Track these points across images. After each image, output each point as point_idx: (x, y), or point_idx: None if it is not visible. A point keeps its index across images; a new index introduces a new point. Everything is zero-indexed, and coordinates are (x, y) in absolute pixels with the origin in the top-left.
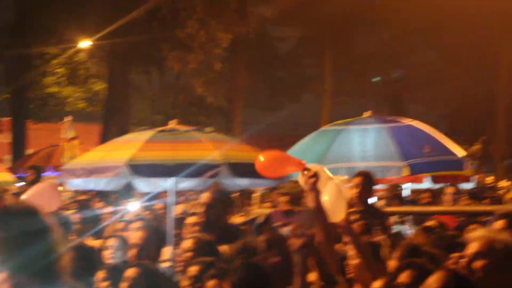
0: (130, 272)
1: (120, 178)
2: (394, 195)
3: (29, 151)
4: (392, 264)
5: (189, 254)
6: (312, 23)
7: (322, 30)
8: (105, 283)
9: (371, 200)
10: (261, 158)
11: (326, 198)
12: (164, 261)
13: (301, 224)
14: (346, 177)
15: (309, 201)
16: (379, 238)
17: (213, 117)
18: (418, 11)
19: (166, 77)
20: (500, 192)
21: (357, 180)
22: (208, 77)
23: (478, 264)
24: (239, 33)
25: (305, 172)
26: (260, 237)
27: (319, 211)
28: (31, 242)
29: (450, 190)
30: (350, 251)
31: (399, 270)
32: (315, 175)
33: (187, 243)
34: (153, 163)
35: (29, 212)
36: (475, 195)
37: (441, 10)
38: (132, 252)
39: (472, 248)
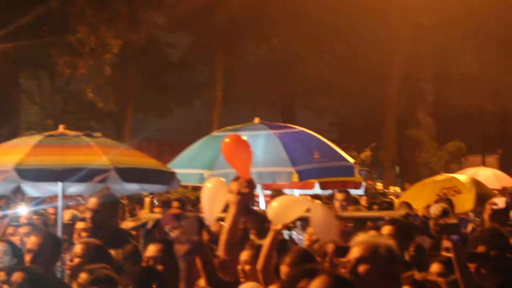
0: (16, 277)
1: (8, 183)
2: None
3: None
4: (283, 269)
5: (78, 259)
6: (203, 29)
7: (213, 37)
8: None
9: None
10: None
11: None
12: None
13: (187, 229)
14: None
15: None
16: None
17: (103, 122)
18: (310, 19)
19: (56, 82)
20: (391, 198)
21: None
22: (98, 82)
23: (361, 268)
24: (130, 39)
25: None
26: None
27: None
28: None
29: (340, 196)
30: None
31: (300, 277)
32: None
33: (77, 248)
34: (41, 167)
35: None
36: (369, 201)
37: (332, 18)
38: (27, 258)
39: (355, 252)
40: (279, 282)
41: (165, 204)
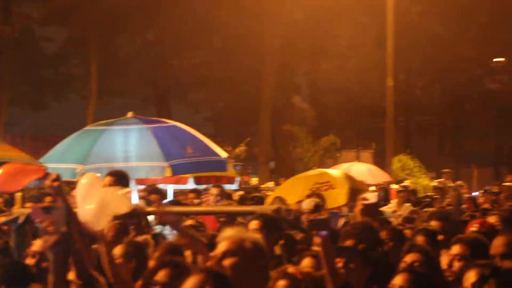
0: None
1: None
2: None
3: None
4: (151, 263)
5: None
6: (78, 23)
7: (88, 31)
8: None
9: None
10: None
11: (90, 206)
12: None
13: (55, 220)
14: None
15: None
16: (142, 238)
17: None
18: (184, 13)
19: None
20: (265, 193)
21: (108, 180)
22: None
23: (227, 262)
24: (3, 31)
25: (49, 176)
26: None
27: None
28: None
29: (214, 191)
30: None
31: (157, 268)
32: (58, 179)
33: None
34: None
35: None
36: (243, 197)
37: (206, 13)
38: None
39: (222, 247)
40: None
41: (37, 199)
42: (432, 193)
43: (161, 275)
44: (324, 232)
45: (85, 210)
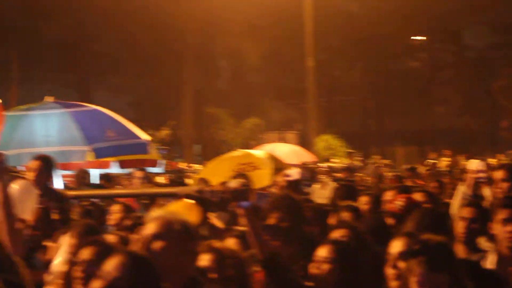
0: None
1: None
2: (81, 179)
3: None
4: (71, 241)
5: None
6: None
7: (5, 18)
8: None
9: (55, 184)
10: None
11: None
12: None
13: None
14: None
15: None
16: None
17: None
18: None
19: None
20: (191, 175)
21: (34, 164)
22: None
23: (156, 245)
24: None
25: None
26: None
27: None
28: None
29: (138, 174)
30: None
31: (80, 246)
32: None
33: None
34: None
35: None
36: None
37: None
38: None
39: (150, 229)
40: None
41: None
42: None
43: (86, 253)
44: (245, 203)
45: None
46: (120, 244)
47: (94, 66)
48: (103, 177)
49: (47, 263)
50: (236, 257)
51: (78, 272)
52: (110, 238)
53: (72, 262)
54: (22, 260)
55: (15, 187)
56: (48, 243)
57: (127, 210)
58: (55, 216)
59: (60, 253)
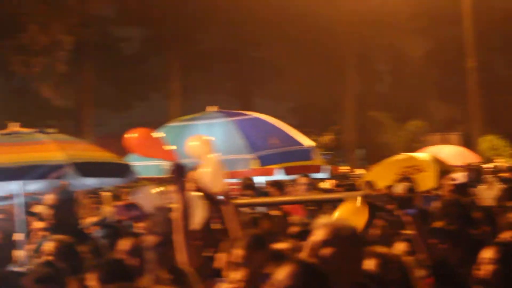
0: None
1: None
2: (245, 187)
3: None
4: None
5: (50, 257)
6: (154, 22)
7: (165, 29)
8: None
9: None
10: (135, 134)
11: (206, 170)
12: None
13: (157, 221)
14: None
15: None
16: None
17: (62, 119)
18: (262, 7)
19: (13, 82)
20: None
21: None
22: (54, 80)
23: (324, 251)
24: (82, 34)
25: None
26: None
27: (184, 211)
28: None
29: (302, 180)
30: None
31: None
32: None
33: (48, 246)
34: None
35: None
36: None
37: (285, 3)
38: None
39: (318, 235)
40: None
41: (117, 197)
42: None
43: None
44: (412, 210)
45: (201, 173)
46: (290, 252)
47: (255, 73)
48: (272, 184)
49: (215, 273)
50: (401, 261)
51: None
52: (281, 246)
53: (251, 274)
54: (196, 271)
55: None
56: (214, 253)
57: (285, 217)
58: (216, 225)
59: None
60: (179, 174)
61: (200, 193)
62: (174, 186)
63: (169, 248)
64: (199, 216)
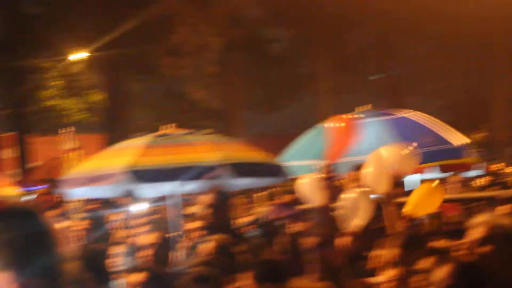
0: (138, 277)
1: (121, 185)
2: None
3: (34, 164)
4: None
5: (210, 257)
6: (302, 22)
7: (313, 28)
8: None
9: None
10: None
11: (369, 170)
12: (174, 264)
13: (316, 223)
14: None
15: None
16: None
17: (213, 120)
18: (410, 4)
19: (164, 84)
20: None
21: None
22: (203, 81)
23: (483, 250)
24: (230, 36)
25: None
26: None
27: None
28: (34, 243)
29: (454, 178)
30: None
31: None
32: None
33: (205, 246)
34: (153, 168)
35: (28, 214)
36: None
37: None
38: (144, 256)
39: (476, 233)
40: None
41: (271, 197)
42: None
43: (424, 263)
44: None
45: (364, 174)
46: (447, 250)
47: (405, 72)
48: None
49: (370, 272)
50: None
51: (417, 282)
52: (438, 244)
53: (406, 272)
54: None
55: (352, 195)
56: (371, 252)
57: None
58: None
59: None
60: (330, 174)
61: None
62: (323, 184)
63: (328, 249)
64: (362, 215)
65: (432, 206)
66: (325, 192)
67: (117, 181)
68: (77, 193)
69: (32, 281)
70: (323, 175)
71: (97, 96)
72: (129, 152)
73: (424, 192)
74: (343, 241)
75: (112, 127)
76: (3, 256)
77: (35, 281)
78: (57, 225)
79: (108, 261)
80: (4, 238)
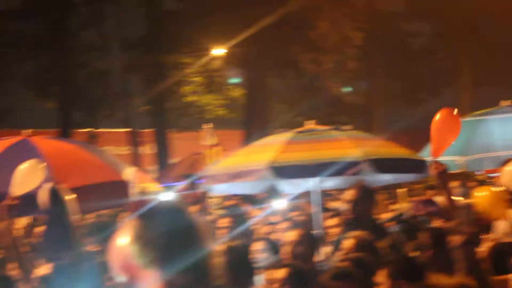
0: (280, 273)
1: (263, 181)
2: None
3: (174, 160)
4: None
5: (351, 253)
6: (442, 16)
7: (454, 22)
8: (285, 286)
9: None
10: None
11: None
12: (316, 260)
13: (462, 220)
14: None
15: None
16: None
17: (352, 116)
18: None
19: (303, 79)
20: None
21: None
22: (343, 76)
23: None
24: (370, 30)
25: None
26: (422, 233)
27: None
28: (181, 240)
29: None
30: None
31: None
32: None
33: (347, 244)
34: (295, 164)
35: (175, 210)
36: None
37: None
38: (285, 253)
39: None
40: None
41: (419, 193)
42: None
43: None
44: None
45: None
46: None
47: None
48: None
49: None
50: None
51: None
52: None
53: None
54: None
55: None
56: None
57: None
58: None
59: None
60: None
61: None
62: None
63: (474, 247)
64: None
65: None
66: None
67: (259, 178)
68: (219, 189)
69: (179, 278)
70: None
71: (236, 92)
72: (270, 148)
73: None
74: (488, 239)
75: (251, 123)
76: (149, 253)
77: (182, 278)
78: (203, 221)
79: (251, 257)
80: (151, 235)
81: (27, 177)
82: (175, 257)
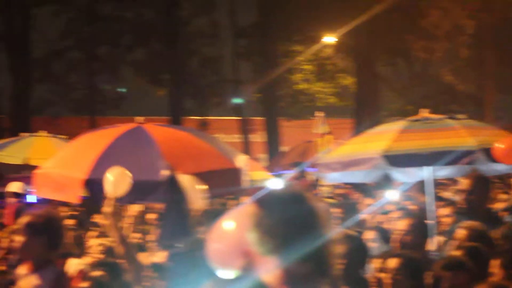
0: (392, 262)
1: (376, 170)
2: None
3: (284, 148)
4: None
5: (464, 243)
6: None
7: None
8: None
9: None
10: (501, 145)
11: None
12: (429, 250)
13: None
14: None
15: None
16: None
17: (464, 104)
18: None
19: (414, 67)
20: None
21: None
22: (456, 64)
23: None
24: (483, 19)
25: None
26: None
27: None
28: (301, 227)
29: None
30: None
31: None
32: None
33: (459, 234)
34: (409, 152)
35: (295, 198)
36: None
37: None
38: (396, 242)
39: None
40: None
41: None
42: None
43: None
44: None
45: None
46: None
47: None
48: None
49: None
50: None
51: None
52: None
53: None
54: None
55: None
56: None
57: None
58: None
59: None
60: None
61: None
62: None
63: None
64: None
65: None
66: None
67: (372, 166)
68: (332, 178)
69: (298, 266)
70: None
71: (347, 80)
72: (384, 136)
73: None
74: None
75: (361, 112)
76: (269, 241)
77: (301, 266)
78: (324, 208)
79: (367, 246)
80: (271, 223)
81: (119, 181)
82: (295, 245)
